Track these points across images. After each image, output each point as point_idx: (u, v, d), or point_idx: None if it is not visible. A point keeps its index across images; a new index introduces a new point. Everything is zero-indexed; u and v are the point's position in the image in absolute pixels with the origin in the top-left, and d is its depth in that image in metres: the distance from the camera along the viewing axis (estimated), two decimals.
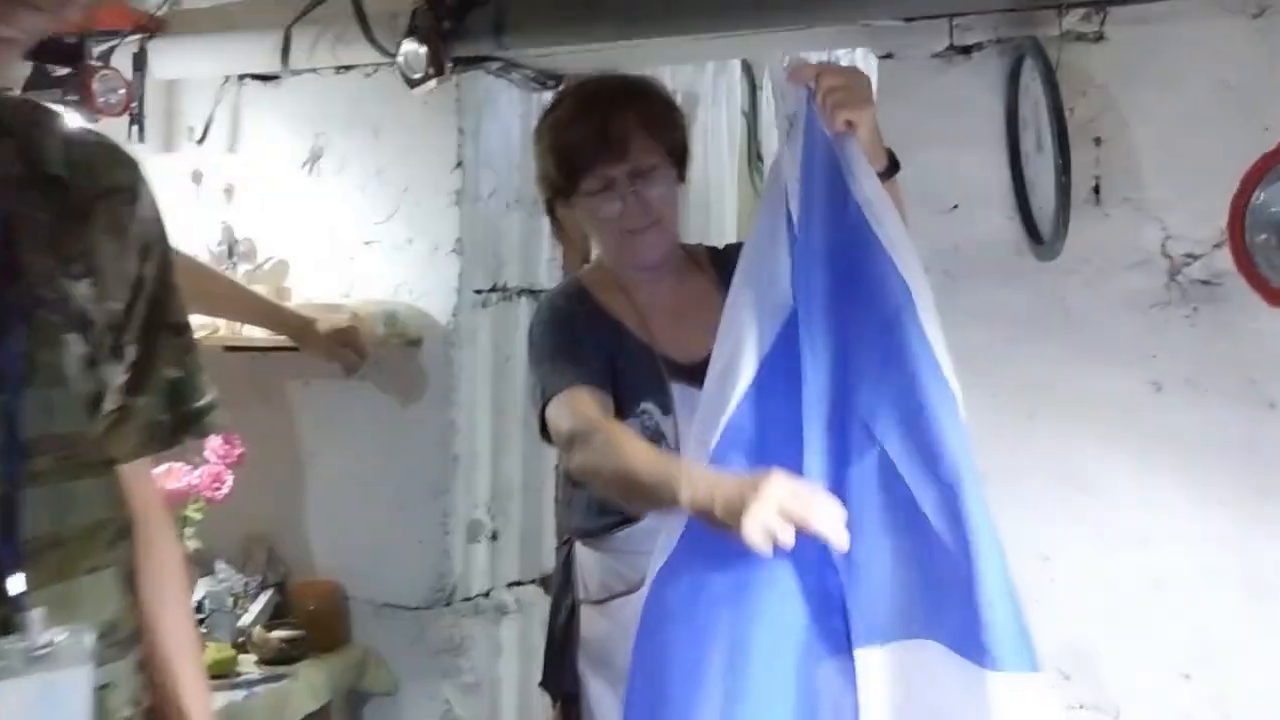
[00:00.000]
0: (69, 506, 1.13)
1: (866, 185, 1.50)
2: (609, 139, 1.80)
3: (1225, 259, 2.15)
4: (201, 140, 3.11)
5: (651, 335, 1.86)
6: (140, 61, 3.02)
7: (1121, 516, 2.30)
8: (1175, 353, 2.24)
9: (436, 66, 2.68)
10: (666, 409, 1.82)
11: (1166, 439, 2.26)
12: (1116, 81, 2.25)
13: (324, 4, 2.83)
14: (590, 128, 1.82)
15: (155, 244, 1.22)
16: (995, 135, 2.34)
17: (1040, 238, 2.24)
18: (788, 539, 1.29)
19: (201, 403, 1.28)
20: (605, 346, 1.83)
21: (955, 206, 2.41)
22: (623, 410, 1.80)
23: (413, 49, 2.68)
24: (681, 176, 1.93)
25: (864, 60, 2.98)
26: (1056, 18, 2.20)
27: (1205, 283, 2.21)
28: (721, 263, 1.87)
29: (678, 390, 1.81)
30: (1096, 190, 2.28)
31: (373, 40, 2.75)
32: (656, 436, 1.80)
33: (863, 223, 1.47)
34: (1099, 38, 2.26)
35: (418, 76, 2.70)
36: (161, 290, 1.22)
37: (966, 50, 2.37)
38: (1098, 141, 2.27)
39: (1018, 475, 2.36)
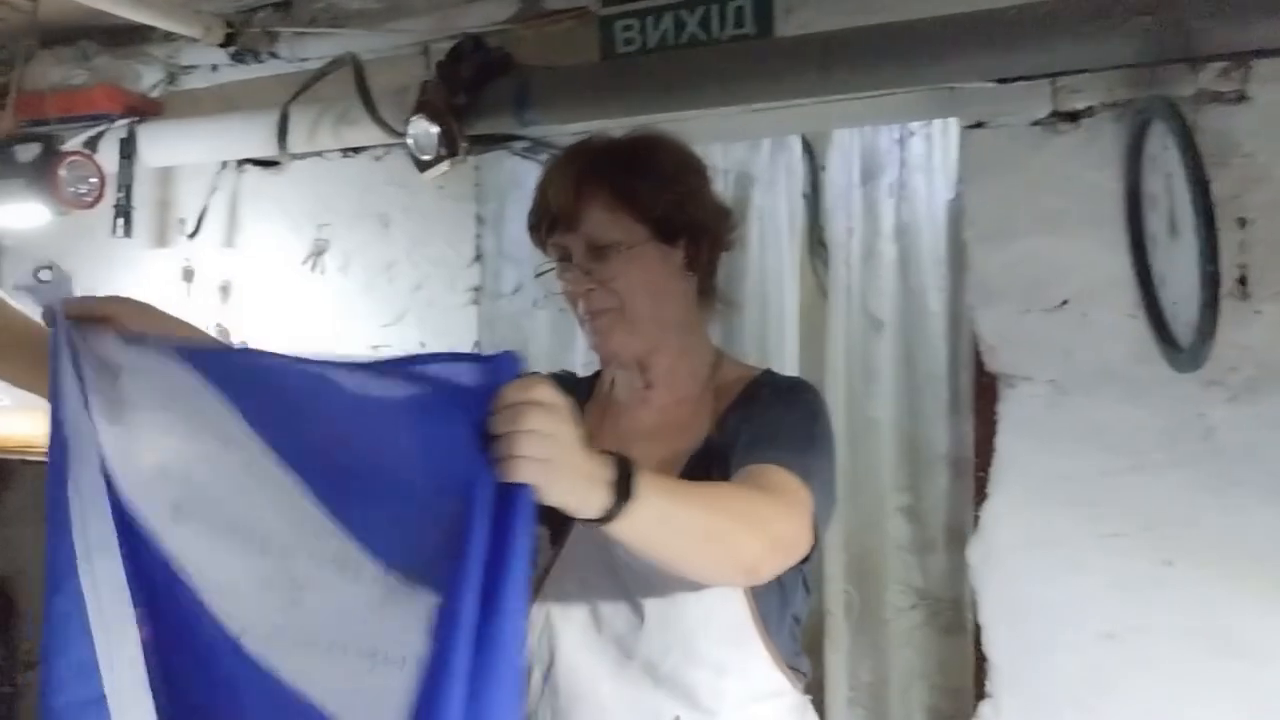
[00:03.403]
0: None
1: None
2: (558, 206, 1.53)
3: None
4: (194, 234, 2.81)
5: None
6: (128, 148, 2.73)
7: None
8: None
9: (450, 146, 2.36)
10: (557, 540, 1.50)
11: None
12: (1266, 150, 1.84)
13: (325, 79, 2.53)
14: (547, 190, 1.56)
15: None
16: (1111, 217, 1.95)
17: (1175, 341, 1.82)
18: None
19: None
20: None
21: (1064, 303, 2.01)
22: None
23: (423, 128, 2.36)
24: (692, 256, 1.54)
25: (945, 132, 2.61)
26: (1190, 74, 1.80)
27: None
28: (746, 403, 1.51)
29: (579, 533, 1.46)
30: (1243, 281, 1.86)
31: (378, 118, 2.43)
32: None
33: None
34: (1241, 97, 1.86)
35: (428, 158, 2.37)
36: None
37: (1074, 116, 1.99)
38: (1242, 223, 1.86)
39: (1151, 635, 1.98)
